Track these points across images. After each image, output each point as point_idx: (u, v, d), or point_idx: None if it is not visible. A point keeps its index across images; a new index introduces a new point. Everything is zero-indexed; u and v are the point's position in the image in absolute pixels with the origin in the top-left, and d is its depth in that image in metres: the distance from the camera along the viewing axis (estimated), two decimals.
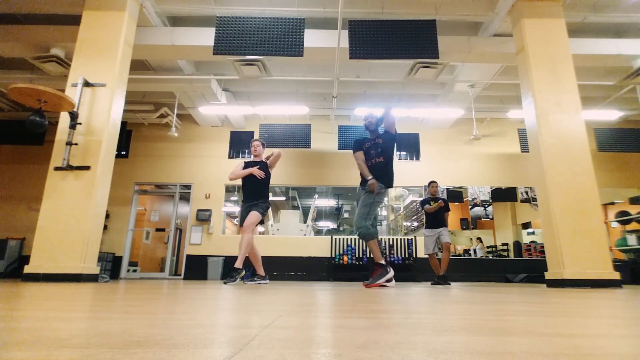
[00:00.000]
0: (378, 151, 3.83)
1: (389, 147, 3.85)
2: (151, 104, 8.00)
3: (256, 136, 8.29)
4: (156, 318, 0.95)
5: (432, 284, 5.34)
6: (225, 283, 3.99)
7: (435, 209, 5.52)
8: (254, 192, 4.39)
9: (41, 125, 4.00)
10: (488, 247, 8.58)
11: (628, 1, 5.26)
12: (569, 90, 4.60)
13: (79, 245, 3.91)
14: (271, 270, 7.60)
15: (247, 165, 4.53)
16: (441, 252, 5.50)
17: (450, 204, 5.80)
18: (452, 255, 8.26)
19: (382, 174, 3.76)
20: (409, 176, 8.42)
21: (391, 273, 3.57)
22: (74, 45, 4.67)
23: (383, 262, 3.58)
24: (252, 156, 4.67)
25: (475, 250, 8.60)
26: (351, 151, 8.09)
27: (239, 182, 4.58)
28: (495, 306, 1.45)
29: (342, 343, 0.62)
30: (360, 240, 7.77)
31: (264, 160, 4.61)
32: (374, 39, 5.02)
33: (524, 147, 7.59)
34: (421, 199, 5.97)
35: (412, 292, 2.60)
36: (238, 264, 4.03)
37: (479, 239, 8.63)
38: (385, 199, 9.22)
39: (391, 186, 3.81)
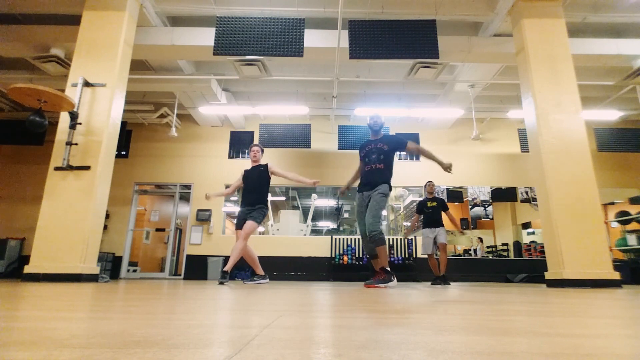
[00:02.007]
0: (380, 157, 3.73)
1: (392, 154, 3.80)
2: (151, 104, 8.00)
3: (256, 136, 8.30)
4: (156, 318, 0.95)
5: (431, 284, 5.34)
6: (220, 283, 4.04)
7: (412, 227, 5.63)
8: (253, 198, 4.43)
9: (41, 125, 4.00)
10: (488, 247, 8.58)
11: (628, 1, 5.26)
12: (569, 90, 4.60)
13: (79, 245, 3.91)
14: (271, 270, 7.60)
15: (247, 173, 4.59)
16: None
17: (450, 204, 5.80)
18: (452, 255, 8.26)
19: (378, 178, 3.70)
20: (409, 176, 8.43)
21: (394, 282, 3.49)
22: (74, 45, 4.67)
23: (389, 269, 3.55)
24: (250, 161, 4.71)
25: (475, 250, 8.61)
26: (351, 151, 8.14)
27: (239, 182, 4.62)
28: (495, 306, 1.45)
29: (342, 343, 0.62)
30: (360, 240, 7.76)
31: (262, 164, 4.65)
32: (374, 39, 5.02)
33: (524, 147, 7.59)
34: (420, 199, 5.97)
35: (412, 292, 2.60)
36: (228, 268, 4.11)
37: (480, 239, 8.63)
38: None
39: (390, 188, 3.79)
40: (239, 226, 4.32)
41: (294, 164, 8.52)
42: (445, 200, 5.71)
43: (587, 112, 7.33)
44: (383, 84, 7.62)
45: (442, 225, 5.52)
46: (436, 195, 5.77)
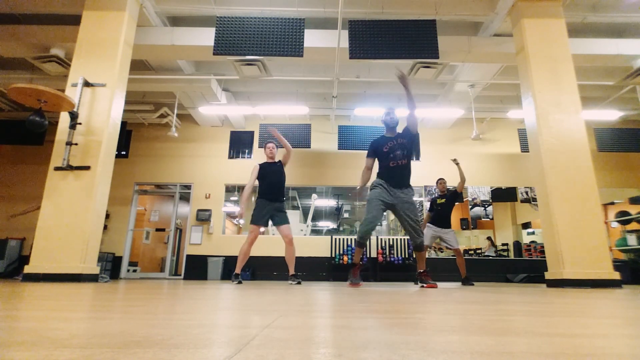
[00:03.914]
0: (404, 153, 3.70)
1: (412, 147, 3.80)
2: (151, 104, 8.00)
3: (256, 136, 8.30)
4: (156, 318, 0.95)
5: (415, 283, 5.29)
6: (298, 283, 4.33)
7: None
8: (276, 191, 4.52)
9: (41, 125, 4.00)
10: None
11: (628, 1, 5.26)
12: (569, 90, 4.60)
13: (79, 245, 3.91)
14: (271, 270, 7.60)
15: (263, 167, 4.61)
16: (436, 250, 5.46)
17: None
18: (453, 255, 8.25)
19: (406, 176, 3.71)
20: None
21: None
22: (74, 45, 4.67)
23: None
24: (266, 157, 4.76)
25: (476, 250, 8.59)
26: (351, 151, 8.13)
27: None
28: (495, 306, 1.45)
29: (342, 343, 0.62)
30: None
31: (277, 161, 4.72)
32: (374, 39, 5.02)
33: (524, 147, 7.59)
34: (430, 197, 5.81)
35: (412, 292, 2.60)
36: (292, 271, 4.41)
37: (489, 238, 8.55)
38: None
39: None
40: (261, 222, 4.40)
41: (294, 164, 8.52)
42: (457, 192, 5.52)
43: (587, 112, 7.33)
44: (383, 84, 7.62)
45: (450, 227, 5.41)
46: (447, 193, 5.60)
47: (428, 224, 5.53)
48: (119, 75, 4.54)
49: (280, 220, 4.46)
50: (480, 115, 8.44)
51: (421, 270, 3.66)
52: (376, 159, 3.83)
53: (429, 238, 5.44)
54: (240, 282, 4.29)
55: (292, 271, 4.40)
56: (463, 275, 5.28)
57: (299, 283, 4.32)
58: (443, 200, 5.49)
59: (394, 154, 3.69)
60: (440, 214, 5.46)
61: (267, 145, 4.72)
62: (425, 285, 3.59)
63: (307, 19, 5.53)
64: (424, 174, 8.36)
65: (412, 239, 3.60)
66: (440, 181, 5.61)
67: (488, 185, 8.45)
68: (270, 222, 4.55)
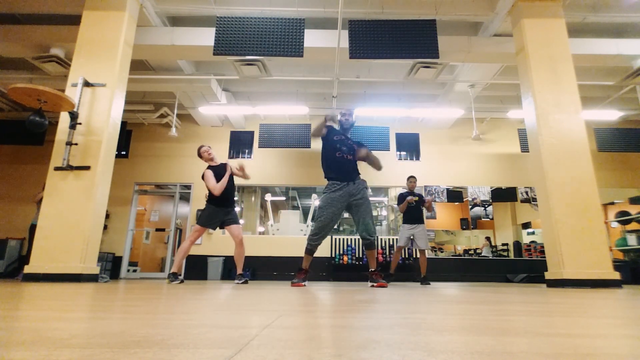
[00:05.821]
0: (350, 152, 3.76)
1: (354, 154, 3.81)
2: (151, 104, 8.00)
3: (256, 136, 8.30)
4: (156, 318, 0.95)
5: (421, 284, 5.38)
6: (244, 282, 4.32)
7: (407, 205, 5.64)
8: (230, 196, 4.53)
9: (41, 125, 4.00)
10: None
11: (628, 1, 5.26)
12: (569, 90, 4.60)
13: (79, 245, 3.91)
14: (271, 270, 7.59)
15: (217, 171, 4.48)
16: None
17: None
18: (453, 255, 8.26)
19: (353, 170, 3.75)
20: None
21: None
22: (74, 45, 4.67)
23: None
24: (208, 161, 4.60)
25: (476, 250, 8.60)
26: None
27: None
28: (495, 306, 1.45)
29: (342, 343, 0.62)
30: (360, 241, 7.76)
31: (223, 163, 4.63)
32: (374, 39, 5.02)
33: (524, 147, 7.59)
34: (400, 192, 6.04)
35: (412, 292, 2.60)
36: (240, 270, 4.41)
37: (487, 238, 8.57)
38: (386, 199, 9.21)
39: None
40: (210, 226, 4.37)
41: (293, 164, 8.52)
42: (424, 200, 5.79)
43: (587, 112, 7.32)
44: (383, 84, 7.62)
45: (422, 222, 5.69)
46: (415, 191, 5.89)
47: (403, 225, 5.78)
48: (119, 75, 4.54)
49: (231, 220, 4.43)
50: (480, 115, 8.44)
51: (372, 269, 3.68)
52: (329, 144, 3.83)
53: (404, 239, 5.66)
54: (246, 282, 4.32)
55: (239, 270, 4.40)
56: (423, 274, 5.51)
57: (245, 282, 4.30)
58: (416, 198, 5.73)
59: (340, 145, 3.75)
60: (412, 212, 5.73)
61: (202, 149, 4.54)
62: (375, 284, 3.57)
63: (307, 19, 5.52)
64: (424, 174, 8.35)
65: (365, 237, 3.62)
66: (411, 179, 5.86)
67: (488, 185, 8.45)
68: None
